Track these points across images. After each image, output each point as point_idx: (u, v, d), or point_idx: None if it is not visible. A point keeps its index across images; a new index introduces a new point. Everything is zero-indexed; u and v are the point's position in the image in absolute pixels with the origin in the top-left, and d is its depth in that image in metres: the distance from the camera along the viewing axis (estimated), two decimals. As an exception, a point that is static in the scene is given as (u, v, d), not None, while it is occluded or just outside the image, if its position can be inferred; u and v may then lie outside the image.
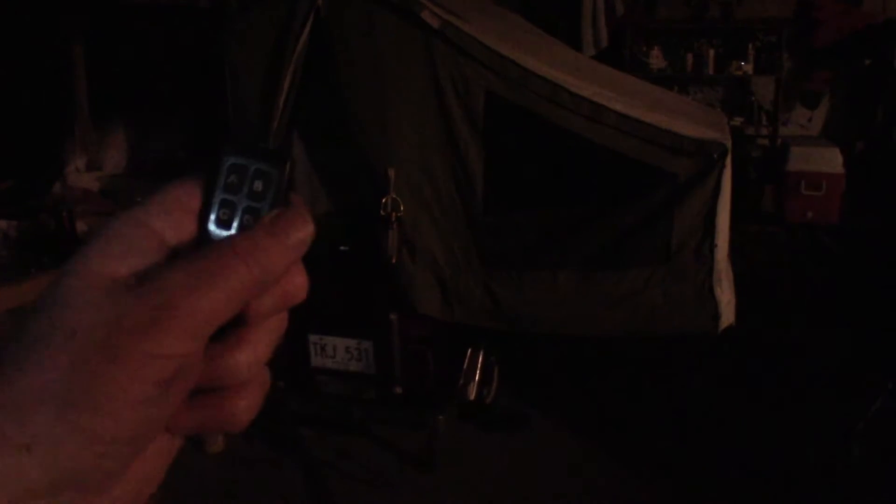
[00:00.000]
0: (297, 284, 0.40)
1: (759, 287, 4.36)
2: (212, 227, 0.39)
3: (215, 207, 0.40)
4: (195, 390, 0.39)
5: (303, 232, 0.39)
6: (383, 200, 3.15)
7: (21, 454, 0.33)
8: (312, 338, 3.24)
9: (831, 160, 5.77)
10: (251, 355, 0.39)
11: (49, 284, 0.38)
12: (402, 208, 3.15)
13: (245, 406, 0.40)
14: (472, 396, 3.48)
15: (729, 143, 3.07)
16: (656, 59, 6.76)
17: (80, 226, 3.98)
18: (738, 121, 6.43)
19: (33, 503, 0.34)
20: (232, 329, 0.39)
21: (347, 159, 3.37)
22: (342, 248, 3.36)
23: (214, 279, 0.36)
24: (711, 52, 6.65)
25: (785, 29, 6.48)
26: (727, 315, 3.13)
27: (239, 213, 0.40)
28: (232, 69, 3.41)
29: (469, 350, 3.47)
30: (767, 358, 4.21)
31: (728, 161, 3.01)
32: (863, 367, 3.91)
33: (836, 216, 5.77)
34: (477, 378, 3.50)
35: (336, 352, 3.26)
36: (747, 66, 6.59)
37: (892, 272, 4.85)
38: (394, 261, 3.19)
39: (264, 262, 0.38)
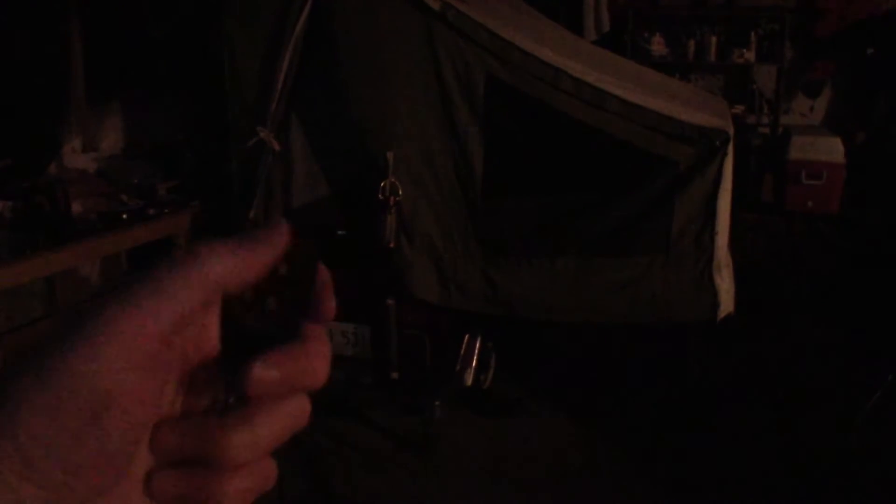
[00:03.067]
0: (315, 369, 0.39)
1: (757, 276, 4.35)
2: (236, 308, 0.38)
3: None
4: (183, 460, 0.37)
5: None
6: (381, 184, 3.13)
7: None
8: (309, 322, 3.22)
9: (832, 150, 5.74)
10: (249, 438, 0.37)
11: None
12: (400, 192, 3.13)
13: (233, 492, 0.37)
14: (469, 382, 3.47)
15: (731, 131, 3.05)
16: (658, 46, 6.71)
17: (76, 207, 3.95)
18: (738, 109, 6.39)
19: None
20: (236, 405, 0.37)
21: (346, 142, 3.34)
22: (339, 232, 3.34)
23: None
24: (713, 40, 6.60)
25: (787, 17, 6.43)
26: (726, 303, 3.12)
27: (264, 295, 0.38)
28: (231, 50, 3.37)
29: (466, 336, 3.45)
30: (766, 347, 4.20)
31: (730, 149, 3.00)
32: (862, 359, 3.90)
33: (836, 206, 5.75)
34: (474, 364, 3.48)
35: (332, 336, 3.24)
36: (749, 54, 6.55)
37: (892, 263, 4.84)
38: (392, 245, 3.17)
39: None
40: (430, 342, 3.26)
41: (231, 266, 0.37)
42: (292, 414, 0.39)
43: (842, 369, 3.92)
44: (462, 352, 3.44)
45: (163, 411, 0.37)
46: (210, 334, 0.38)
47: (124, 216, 4.01)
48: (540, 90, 3.05)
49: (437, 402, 3.27)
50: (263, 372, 0.37)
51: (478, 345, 3.50)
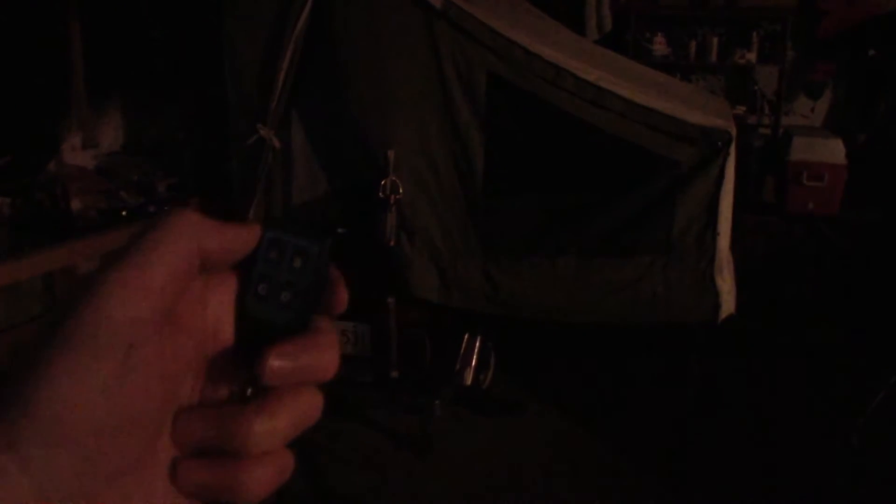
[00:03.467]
0: (327, 360, 0.41)
1: (757, 277, 4.34)
2: (250, 299, 0.40)
3: (254, 282, 0.41)
4: (204, 448, 0.38)
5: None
6: (382, 182, 3.12)
7: None
8: (308, 320, 3.21)
9: (834, 151, 5.73)
10: (268, 426, 0.39)
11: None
12: (401, 190, 3.12)
13: (257, 479, 0.39)
14: (469, 381, 3.46)
15: (734, 131, 3.04)
16: (659, 46, 6.70)
17: (75, 204, 3.94)
18: (740, 109, 6.37)
19: None
20: (254, 395, 0.39)
21: (346, 140, 3.33)
22: (339, 230, 3.33)
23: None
24: (715, 40, 6.59)
25: (790, 18, 6.41)
26: (728, 304, 3.11)
27: (277, 288, 0.40)
28: (231, 48, 3.36)
29: (466, 335, 3.44)
30: (766, 349, 4.19)
31: (732, 149, 2.99)
32: (862, 360, 3.89)
33: (837, 207, 5.73)
34: (473, 363, 3.47)
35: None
36: (751, 55, 6.53)
37: (893, 264, 4.83)
38: (392, 244, 3.16)
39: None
40: (430, 341, 3.25)
41: (208, 232, 0.39)
42: (307, 405, 0.40)
43: (843, 370, 3.91)
44: (462, 351, 3.43)
45: (183, 394, 0.39)
46: (225, 327, 0.41)
47: (124, 213, 4.01)
48: (542, 89, 3.04)
49: (436, 402, 3.26)
50: (279, 362, 0.38)
51: (477, 344, 3.49)
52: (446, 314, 3.31)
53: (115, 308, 0.35)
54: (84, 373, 0.34)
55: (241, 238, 0.40)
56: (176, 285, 0.38)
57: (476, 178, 3.17)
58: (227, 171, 3.52)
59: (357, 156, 3.28)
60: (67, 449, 0.34)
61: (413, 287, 3.22)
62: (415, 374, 3.26)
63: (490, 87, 3.08)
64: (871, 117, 6.45)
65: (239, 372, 0.40)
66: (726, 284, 3.09)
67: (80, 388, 0.34)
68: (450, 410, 3.44)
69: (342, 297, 0.42)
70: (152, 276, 0.37)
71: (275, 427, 0.39)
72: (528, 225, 3.25)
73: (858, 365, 3.89)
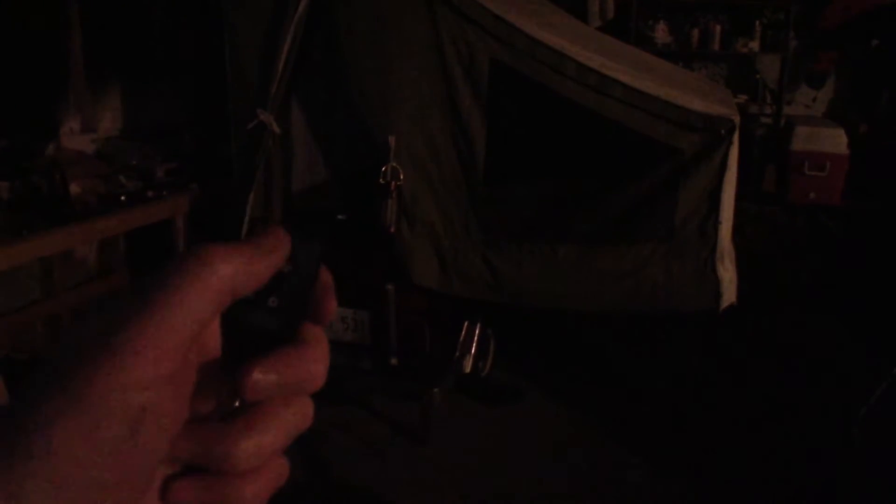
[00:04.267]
0: (314, 372, 0.39)
1: (758, 267, 4.33)
2: (237, 306, 0.38)
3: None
4: (198, 468, 0.37)
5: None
6: (383, 169, 3.10)
7: None
8: (308, 307, 3.19)
9: (836, 141, 5.71)
10: (256, 443, 0.37)
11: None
12: (401, 177, 3.10)
13: (251, 494, 0.38)
14: (468, 369, 3.46)
15: (737, 120, 3.02)
16: (661, 34, 6.66)
17: (74, 188, 3.93)
18: (741, 98, 6.35)
19: None
20: (240, 411, 0.38)
21: (347, 126, 3.31)
22: (340, 216, 3.32)
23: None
24: (717, 29, 6.56)
25: (792, 7, 6.38)
26: (729, 294, 3.10)
27: (266, 293, 0.38)
28: (231, 32, 3.34)
29: (466, 322, 3.44)
30: (767, 340, 4.18)
31: (735, 137, 2.97)
32: (863, 351, 3.89)
33: (839, 198, 5.72)
34: (473, 351, 3.47)
35: (331, 322, 3.22)
36: (753, 44, 6.50)
37: (893, 255, 4.82)
38: (392, 230, 3.15)
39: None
40: (430, 329, 3.24)
41: (240, 269, 0.36)
42: (295, 416, 0.39)
43: (843, 361, 3.91)
44: (461, 339, 3.43)
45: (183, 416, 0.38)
46: (212, 335, 0.38)
47: (123, 198, 3.99)
48: (544, 75, 3.02)
49: (435, 389, 3.26)
50: (262, 377, 0.37)
51: (477, 332, 3.49)
52: (446, 301, 3.30)
53: (132, 372, 0.33)
54: (92, 436, 0.33)
55: (273, 266, 0.38)
56: (199, 335, 0.36)
57: (477, 164, 3.15)
58: (227, 156, 3.50)
59: (358, 142, 3.26)
60: (66, 501, 0.33)
61: (413, 274, 3.20)
62: (414, 362, 3.25)
63: (492, 73, 3.05)
64: (873, 107, 6.43)
65: (227, 382, 0.38)
66: (728, 274, 3.08)
67: (88, 449, 0.33)
68: (449, 398, 3.43)
69: (331, 307, 0.41)
70: (177, 333, 0.34)
71: (262, 443, 0.37)
72: (530, 212, 3.24)
73: (859, 355, 3.89)
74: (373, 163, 3.12)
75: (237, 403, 0.38)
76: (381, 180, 3.09)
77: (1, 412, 0.34)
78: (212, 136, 4.33)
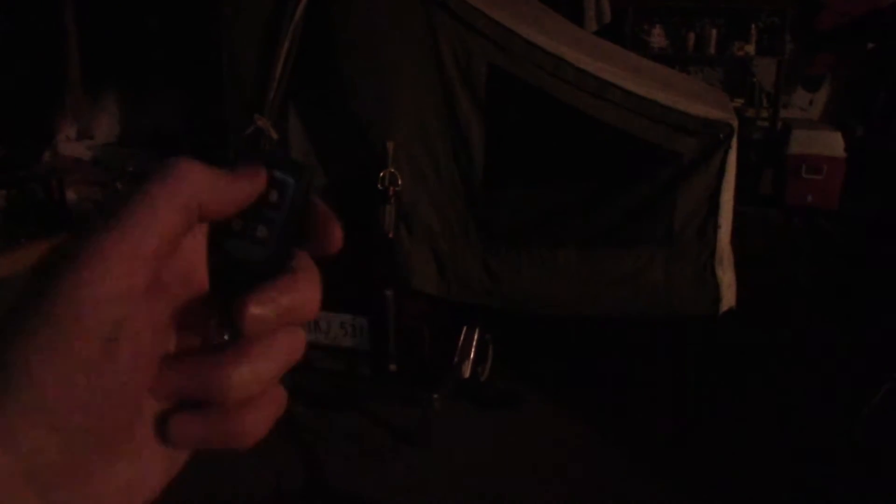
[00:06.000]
0: (309, 300, 0.38)
1: (756, 270, 4.33)
2: (223, 236, 0.38)
3: (228, 216, 0.38)
4: (196, 402, 0.36)
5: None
6: (381, 174, 3.09)
7: None
8: (306, 313, 3.19)
9: (833, 144, 5.73)
10: (248, 372, 0.36)
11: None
12: (400, 182, 3.10)
13: (251, 423, 0.38)
14: (467, 374, 3.45)
15: (735, 123, 3.02)
16: (658, 38, 6.68)
17: (70, 195, 3.92)
18: (738, 102, 6.37)
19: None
20: (231, 342, 0.37)
21: (345, 132, 3.31)
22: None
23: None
24: (713, 32, 6.58)
25: (788, 10, 6.40)
26: (728, 298, 3.09)
27: (252, 223, 0.38)
28: (227, 38, 3.33)
29: (464, 328, 3.43)
30: (766, 344, 4.18)
31: (734, 141, 2.97)
32: (860, 354, 3.89)
33: (836, 201, 5.73)
34: (472, 356, 3.46)
35: (330, 327, 3.22)
36: (749, 47, 6.52)
37: (891, 258, 4.83)
38: (391, 236, 3.14)
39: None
40: (429, 334, 3.24)
41: (209, 187, 0.36)
42: (288, 347, 0.38)
43: (842, 364, 3.90)
44: (460, 344, 3.42)
45: (163, 346, 0.37)
46: (197, 268, 0.38)
47: (119, 205, 3.98)
48: (542, 80, 3.01)
49: (435, 395, 3.25)
50: (259, 309, 0.36)
51: (476, 337, 3.48)
52: (445, 307, 3.29)
53: (101, 284, 0.33)
54: (68, 353, 0.32)
55: (248, 190, 0.38)
56: (169, 249, 0.35)
57: (476, 169, 3.15)
58: (224, 163, 3.49)
59: (355, 147, 3.26)
60: (52, 428, 0.32)
61: (412, 279, 3.20)
62: (413, 367, 3.24)
63: (490, 78, 3.05)
64: (869, 110, 6.45)
65: (213, 317, 0.37)
66: (727, 277, 3.07)
67: (65, 368, 0.32)
68: (448, 403, 3.42)
69: (335, 233, 0.40)
70: (145, 243, 0.34)
71: (255, 372, 0.37)
72: (529, 217, 3.24)
73: (858, 358, 3.89)
74: (371, 168, 3.12)
75: (226, 337, 0.37)
76: (380, 186, 3.08)
77: None
78: (209, 143, 4.32)
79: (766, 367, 3.98)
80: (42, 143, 4.46)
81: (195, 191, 0.35)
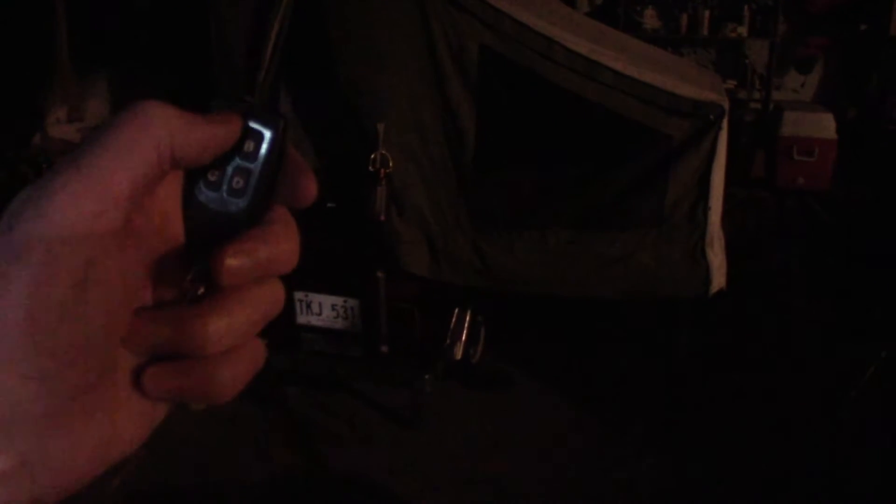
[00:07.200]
0: (286, 252, 0.38)
1: (746, 252, 4.35)
2: (199, 187, 0.38)
3: (204, 167, 0.37)
4: (174, 354, 0.36)
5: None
6: (372, 156, 3.09)
7: None
8: (298, 294, 3.20)
9: (825, 126, 5.73)
10: (225, 324, 0.36)
11: None
12: (391, 164, 3.09)
13: (228, 376, 0.37)
14: (459, 356, 3.46)
15: (726, 105, 3.02)
16: (650, 19, 6.67)
17: (61, 177, 3.90)
18: (730, 84, 6.36)
19: None
20: (207, 294, 0.36)
21: (336, 114, 3.30)
22: (329, 204, 3.30)
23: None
24: (706, 14, 6.56)
25: (781, -8, 6.39)
26: (718, 279, 3.11)
27: (229, 173, 0.38)
28: (217, 19, 3.31)
29: (456, 309, 3.44)
30: (756, 325, 4.20)
31: (724, 123, 2.97)
32: (849, 334, 3.91)
33: (828, 183, 5.74)
34: (463, 338, 3.47)
35: (322, 309, 3.22)
36: (742, 29, 6.51)
37: (882, 240, 4.85)
38: (382, 218, 3.14)
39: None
40: (420, 316, 3.24)
41: (182, 126, 0.35)
42: (266, 299, 0.38)
43: (831, 345, 3.93)
44: (452, 326, 3.43)
45: (137, 298, 0.36)
46: (172, 220, 0.37)
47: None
48: (533, 61, 3.01)
49: (426, 376, 3.26)
50: (236, 261, 0.35)
51: (467, 319, 3.49)
52: (436, 288, 3.29)
53: (72, 221, 0.32)
54: (39, 293, 0.31)
55: (221, 136, 0.37)
56: (141, 191, 0.34)
57: (467, 151, 3.14)
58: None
59: (347, 129, 3.25)
60: (24, 377, 0.32)
61: (403, 261, 3.20)
62: (404, 349, 3.25)
63: (482, 60, 3.04)
64: (861, 92, 6.45)
65: (189, 269, 0.37)
66: (717, 259, 3.09)
67: (35, 310, 0.31)
68: (439, 385, 3.44)
69: (310, 186, 0.39)
70: (116, 182, 0.33)
71: (231, 325, 0.36)
72: (519, 199, 3.24)
73: (848, 339, 3.91)
74: (362, 150, 3.11)
75: (202, 290, 0.37)
76: (371, 168, 3.08)
77: None
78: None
79: (755, 347, 4.00)
80: (32, 125, 4.44)
81: (166, 132, 0.35)
